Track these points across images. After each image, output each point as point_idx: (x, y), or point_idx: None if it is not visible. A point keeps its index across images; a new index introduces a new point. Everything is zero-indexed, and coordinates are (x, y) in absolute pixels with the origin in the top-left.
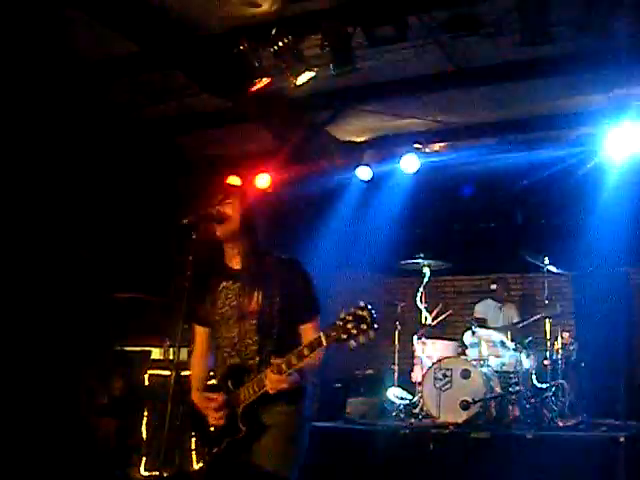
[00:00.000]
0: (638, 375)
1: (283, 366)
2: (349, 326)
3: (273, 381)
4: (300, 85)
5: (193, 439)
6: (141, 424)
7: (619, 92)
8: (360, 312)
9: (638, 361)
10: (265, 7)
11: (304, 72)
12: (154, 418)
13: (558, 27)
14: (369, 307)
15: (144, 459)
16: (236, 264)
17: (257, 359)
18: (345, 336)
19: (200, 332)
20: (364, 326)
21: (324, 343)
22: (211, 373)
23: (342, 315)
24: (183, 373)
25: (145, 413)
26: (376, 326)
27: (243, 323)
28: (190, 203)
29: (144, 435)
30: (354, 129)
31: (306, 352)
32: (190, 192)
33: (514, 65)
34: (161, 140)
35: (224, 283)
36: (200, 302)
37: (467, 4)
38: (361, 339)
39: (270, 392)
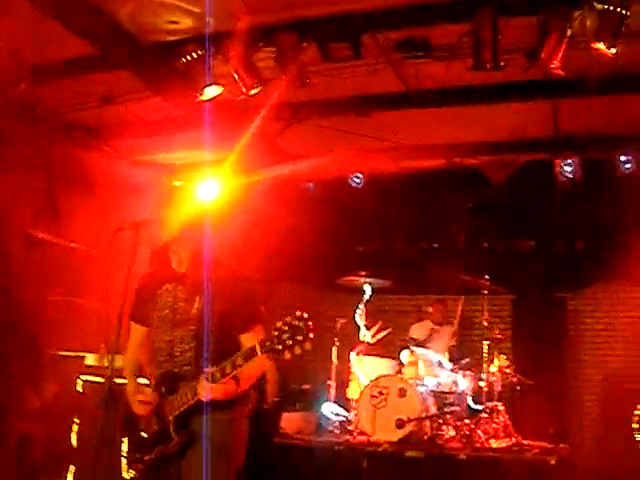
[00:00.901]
0: (572, 400)
1: (217, 374)
2: (284, 337)
3: (206, 389)
4: (251, 96)
5: (125, 444)
6: (71, 432)
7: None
8: (296, 322)
9: (571, 386)
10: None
11: (255, 83)
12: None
13: (510, 54)
14: (305, 316)
15: (73, 468)
16: (180, 268)
17: (192, 366)
18: (280, 347)
19: (137, 331)
20: (300, 337)
21: (258, 353)
22: (146, 373)
23: (278, 325)
24: (117, 381)
25: (77, 420)
26: (312, 336)
27: (181, 328)
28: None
29: (74, 443)
30: (304, 143)
31: (239, 361)
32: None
33: (465, 89)
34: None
35: (166, 286)
36: (140, 302)
37: (421, 27)
38: (296, 350)
39: (203, 400)
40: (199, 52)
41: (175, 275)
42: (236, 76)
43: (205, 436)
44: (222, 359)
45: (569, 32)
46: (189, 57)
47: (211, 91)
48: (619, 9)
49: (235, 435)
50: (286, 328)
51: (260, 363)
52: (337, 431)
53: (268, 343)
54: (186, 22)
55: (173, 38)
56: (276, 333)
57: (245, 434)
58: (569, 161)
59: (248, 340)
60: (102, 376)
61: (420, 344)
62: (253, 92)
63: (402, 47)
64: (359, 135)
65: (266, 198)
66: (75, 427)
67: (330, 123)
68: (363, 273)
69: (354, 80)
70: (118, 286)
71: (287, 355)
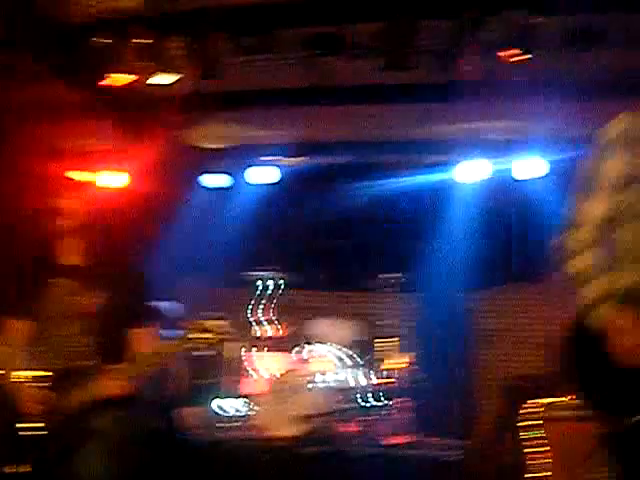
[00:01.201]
0: (472, 397)
1: (115, 371)
2: (191, 336)
3: (103, 386)
4: (159, 85)
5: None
6: None
7: (470, 126)
8: (206, 323)
9: (472, 385)
10: (128, 3)
11: (165, 72)
12: None
13: (420, 56)
14: (217, 317)
15: None
16: (73, 261)
17: (88, 362)
18: (189, 345)
19: (20, 327)
20: (209, 335)
21: (165, 350)
22: (36, 372)
23: (187, 325)
24: None
25: None
26: (223, 338)
27: (75, 322)
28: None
29: None
30: (211, 135)
31: (139, 358)
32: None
33: (373, 88)
34: None
35: (57, 279)
36: (24, 296)
37: (333, 24)
38: (202, 349)
39: (99, 398)
40: (105, 37)
41: (67, 268)
42: (143, 63)
43: (101, 432)
44: (117, 355)
45: (482, 36)
46: (95, 42)
47: (116, 78)
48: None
49: (132, 431)
50: (192, 327)
51: (158, 361)
52: (236, 427)
53: (177, 343)
54: (93, 6)
55: (79, 21)
56: (184, 332)
57: (143, 430)
58: (475, 161)
59: (143, 336)
60: None
61: (323, 340)
62: (160, 81)
63: (314, 43)
64: (266, 129)
65: (170, 191)
66: None
67: (238, 116)
68: (263, 268)
69: (264, 73)
70: None
71: (194, 353)
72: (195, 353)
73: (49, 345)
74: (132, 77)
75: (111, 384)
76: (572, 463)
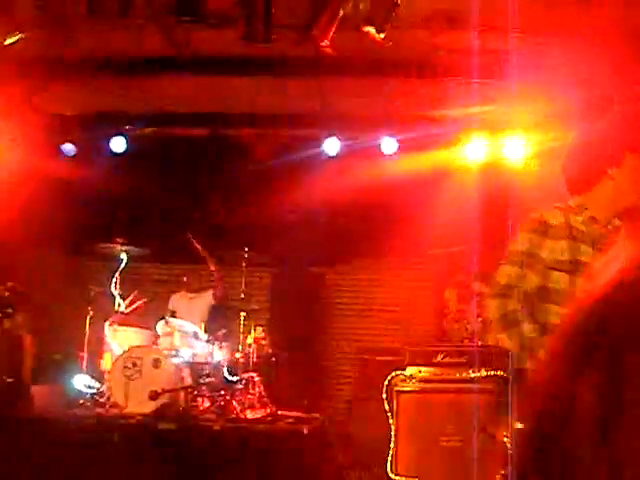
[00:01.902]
0: (327, 371)
1: None
2: None
3: None
4: (6, 46)
5: None
6: None
7: (333, 101)
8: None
9: (327, 359)
10: None
11: (12, 32)
12: None
13: (280, 29)
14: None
15: None
16: None
17: None
18: None
19: None
20: (9, 310)
21: None
22: None
23: None
24: None
25: None
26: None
27: None
28: None
29: None
30: (64, 103)
31: None
32: None
33: (235, 59)
34: None
35: None
36: None
37: None
38: (5, 324)
39: None
40: None
41: None
42: None
43: None
44: None
45: (341, 12)
46: None
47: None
48: None
49: None
50: None
51: None
52: (89, 404)
53: None
54: None
55: None
56: None
57: None
58: (333, 138)
59: None
60: None
61: (177, 315)
62: (9, 42)
63: (173, 9)
64: (122, 98)
65: (22, 159)
66: None
67: (94, 83)
68: (120, 240)
69: (121, 39)
70: None
71: None
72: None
73: None
74: None
75: None
76: (422, 432)
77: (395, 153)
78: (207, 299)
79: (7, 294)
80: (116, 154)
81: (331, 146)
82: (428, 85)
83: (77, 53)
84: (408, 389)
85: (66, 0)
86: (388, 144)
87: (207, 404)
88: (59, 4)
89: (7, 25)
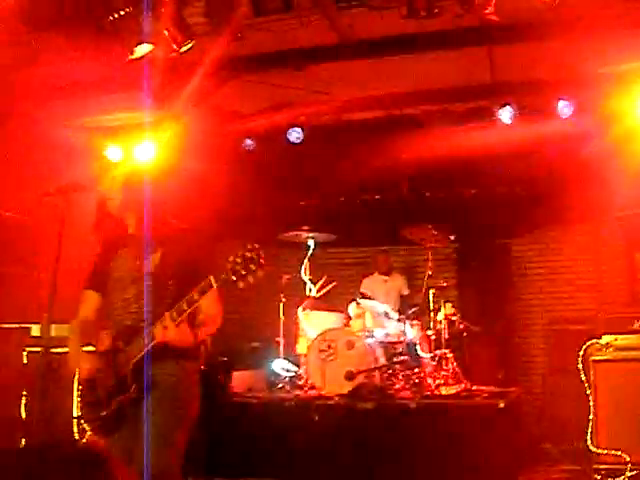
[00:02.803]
0: (518, 344)
1: (174, 314)
2: (238, 267)
3: (162, 331)
4: (183, 53)
5: (77, 407)
6: (20, 405)
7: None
8: (248, 253)
9: (517, 331)
10: None
11: (186, 40)
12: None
13: (442, 2)
14: (256, 247)
15: (24, 441)
16: (130, 231)
17: (148, 321)
18: (234, 277)
19: (91, 297)
20: (253, 266)
21: (213, 285)
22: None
23: (231, 258)
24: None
25: (24, 393)
26: (263, 262)
27: (136, 286)
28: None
29: (23, 416)
30: (240, 99)
31: (196, 297)
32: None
33: (400, 38)
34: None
35: (122, 249)
36: (97, 271)
37: None
38: (250, 279)
39: (159, 342)
40: (128, 9)
41: (129, 238)
42: (167, 33)
43: (160, 382)
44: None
45: None
46: (117, 14)
47: (141, 49)
48: None
49: (188, 386)
50: (239, 260)
51: (215, 315)
52: (287, 387)
53: (223, 275)
54: None
55: None
56: (230, 265)
57: (197, 388)
58: (507, 107)
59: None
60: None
61: (369, 296)
62: (184, 49)
63: None
64: (295, 89)
65: (204, 157)
66: (23, 400)
67: (266, 78)
68: (306, 228)
69: (287, 33)
70: (50, 253)
71: (241, 284)
72: (243, 284)
73: (115, 310)
74: (157, 47)
75: (171, 329)
76: (623, 402)
77: (571, 115)
78: (399, 278)
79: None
80: (294, 144)
81: (505, 115)
82: (600, 42)
83: (247, 51)
84: (605, 358)
85: (232, 3)
86: (563, 107)
87: (401, 383)
88: (225, 8)
89: (181, 35)
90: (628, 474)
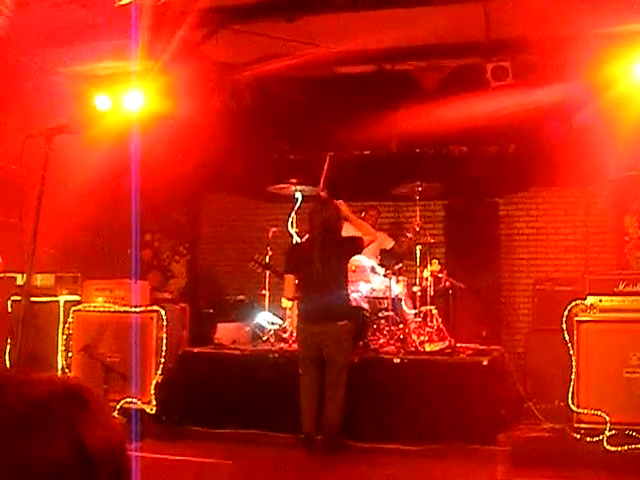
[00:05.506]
0: (504, 302)
1: None
2: None
3: None
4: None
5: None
6: (4, 353)
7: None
8: None
9: (503, 290)
10: None
11: None
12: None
13: None
14: None
15: None
16: None
17: None
18: None
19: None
20: None
21: None
22: None
23: None
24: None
25: (9, 341)
26: None
27: None
28: None
29: (8, 364)
30: (229, 50)
31: None
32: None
33: None
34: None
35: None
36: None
37: None
38: None
39: None
40: None
41: None
42: None
43: None
44: None
45: None
46: None
47: None
48: None
49: None
50: None
51: None
52: (272, 340)
53: None
54: None
55: None
56: None
57: None
58: (501, 65)
59: None
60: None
61: None
62: None
63: None
64: (286, 41)
65: (193, 108)
66: (7, 348)
67: (257, 29)
68: (294, 181)
69: None
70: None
71: None
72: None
73: None
74: None
75: None
76: (604, 363)
77: (565, 78)
78: (385, 234)
79: None
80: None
81: (499, 74)
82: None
83: (237, 0)
84: (589, 319)
85: None
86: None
87: (386, 338)
88: None
89: None
90: (607, 434)
